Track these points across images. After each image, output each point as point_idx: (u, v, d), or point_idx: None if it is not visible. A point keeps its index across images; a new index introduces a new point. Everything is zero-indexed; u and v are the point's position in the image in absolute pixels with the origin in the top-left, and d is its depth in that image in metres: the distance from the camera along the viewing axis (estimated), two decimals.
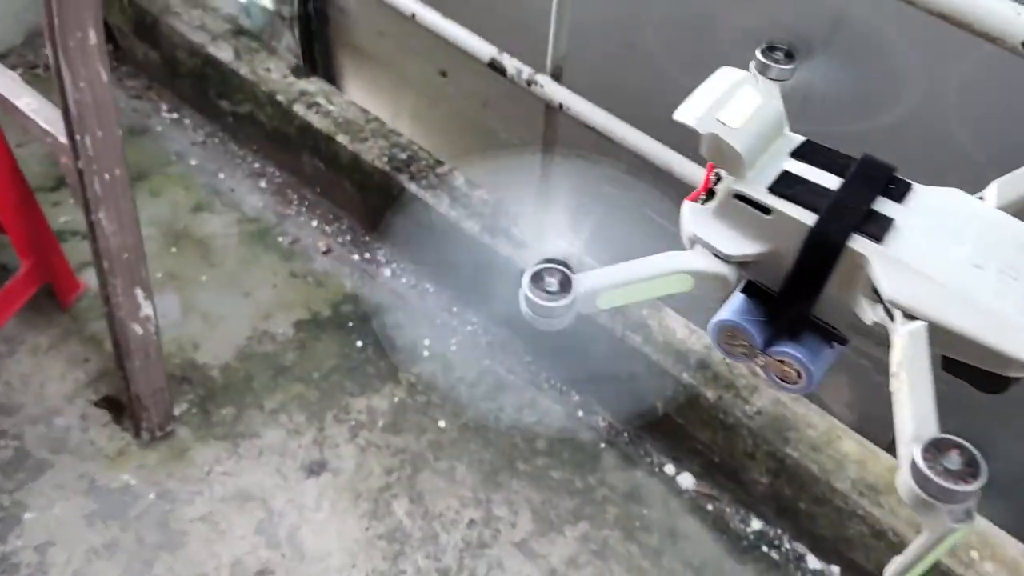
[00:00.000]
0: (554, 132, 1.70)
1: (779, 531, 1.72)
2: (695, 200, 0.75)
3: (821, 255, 0.65)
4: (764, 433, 1.62)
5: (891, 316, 0.62)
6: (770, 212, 0.68)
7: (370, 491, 1.74)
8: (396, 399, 1.89)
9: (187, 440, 1.78)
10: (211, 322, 1.98)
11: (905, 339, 0.59)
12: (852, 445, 1.61)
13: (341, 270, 2.13)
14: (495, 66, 1.65)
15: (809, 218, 0.66)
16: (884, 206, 0.66)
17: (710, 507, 1.76)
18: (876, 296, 0.63)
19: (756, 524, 1.73)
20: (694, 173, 1.48)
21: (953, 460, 0.53)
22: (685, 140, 0.74)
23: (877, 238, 0.63)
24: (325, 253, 2.16)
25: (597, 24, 1.73)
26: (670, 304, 1.79)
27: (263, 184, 2.29)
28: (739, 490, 1.73)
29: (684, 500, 1.77)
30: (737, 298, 0.70)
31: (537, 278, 0.66)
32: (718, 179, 0.73)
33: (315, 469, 1.77)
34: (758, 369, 0.70)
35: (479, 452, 1.81)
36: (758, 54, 0.81)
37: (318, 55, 2.55)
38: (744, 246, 0.70)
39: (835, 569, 1.66)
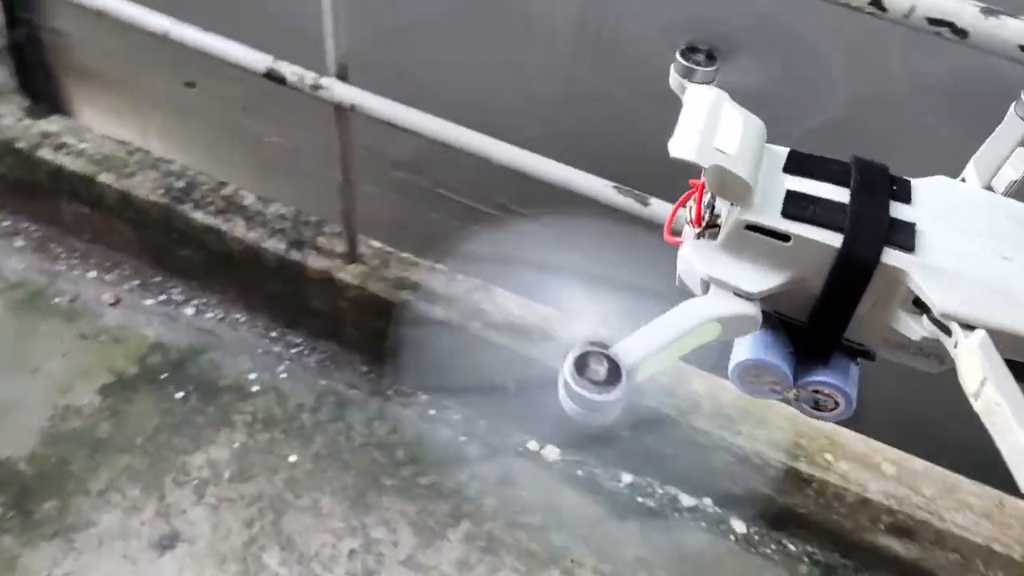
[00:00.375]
0: (348, 134, 1.60)
1: (649, 479, 1.77)
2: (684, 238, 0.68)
3: (853, 276, 0.61)
4: None
5: (945, 330, 0.59)
6: (789, 239, 0.63)
7: (235, 550, 1.61)
8: (236, 444, 1.75)
9: (12, 548, 1.56)
10: (0, 411, 1.74)
11: (977, 354, 0.56)
12: (701, 383, 1.68)
13: (136, 319, 1.93)
14: (273, 76, 1.53)
15: (834, 239, 0.61)
16: (899, 211, 0.62)
17: (580, 472, 1.78)
18: (918, 309, 0.60)
19: (627, 478, 1.78)
20: (508, 155, 1.45)
21: None
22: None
23: (909, 248, 0.60)
24: (113, 305, 1.95)
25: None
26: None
27: (19, 243, 2.02)
28: (604, 450, 1.76)
29: (555, 472, 1.78)
30: (756, 333, 0.66)
31: (581, 365, 0.58)
32: (711, 209, 0.68)
33: (167, 543, 1.61)
34: (789, 401, 0.66)
35: (340, 478, 1.72)
36: (679, 57, 0.75)
37: (41, 87, 2.27)
38: (766, 279, 0.65)
39: (707, 501, 1.74)
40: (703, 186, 0.69)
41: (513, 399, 1.77)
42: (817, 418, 0.67)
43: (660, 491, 1.76)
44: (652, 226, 1.35)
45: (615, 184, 1.36)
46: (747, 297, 0.65)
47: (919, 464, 1.61)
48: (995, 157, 0.68)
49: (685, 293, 0.68)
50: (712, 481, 1.69)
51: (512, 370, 1.72)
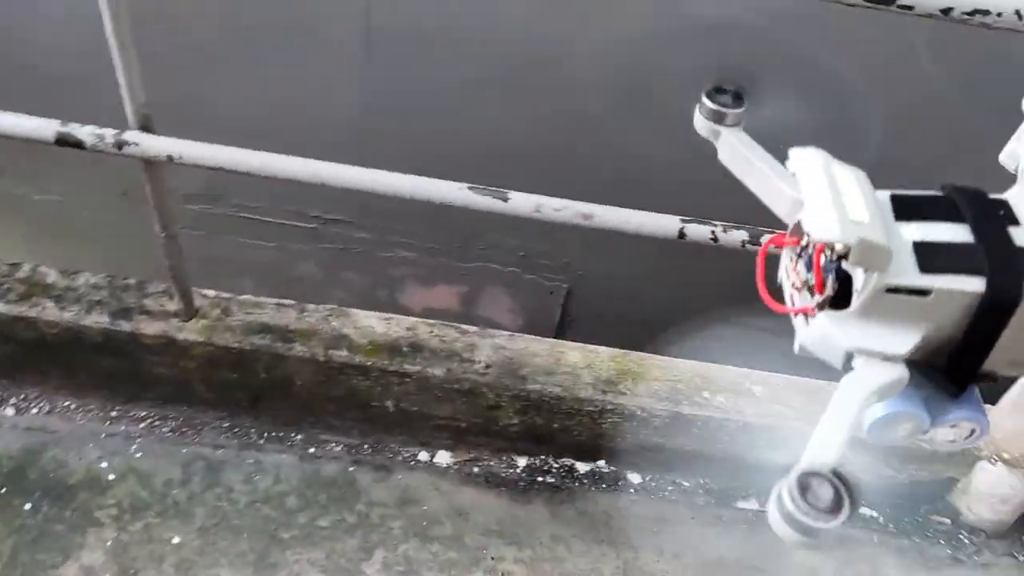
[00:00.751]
0: (161, 185, 1.48)
1: (543, 457, 1.80)
2: (809, 313, 0.68)
3: (998, 315, 0.62)
4: (502, 382, 1.66)
5: None
6: (930, 293, 0.63)
7: None
8: (108, 542, 1.60)
9: None
10: None
11: None
12: (576, 354, 1.72)
13: None
14: (66, 141, 1.38)
15: (976, 283, 0.62)
16: (1017, 236, 0.64)
17: (476, 469, 1.79)
18: None
19: (522, 461, 1.80)
20: (351, 177, 1.39)
21: None
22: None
23: None
24: None
25: None
26: None
27: None
28: (494, 441, 1.77)
29: (451, 477, 1.77)
30: None
31: (803, 488, 0.57)
32: (837, 276, 0.67)
33: None
34: (923, 442, 0.68)
35: (234, 546, 1.62)
36: (706, 100, 0.73)
37: None
38: (911, 337, 0.65)
39: (601, 463, 1.80)
40: (819, 252, 0.67)
41: (394, 415, 1.74)
42: (952, 449, 0.69)
43: (556, 465, 1.80)
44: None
45: (469, 185, 1.34)
46: (895, 360, 0.65)
47: (780, 379, 1.74)
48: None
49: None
50: (604, 443, 1.75)
51: (390, 389, 1.68)
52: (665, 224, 1.32)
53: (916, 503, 1.81)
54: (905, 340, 0.67)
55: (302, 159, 1.39)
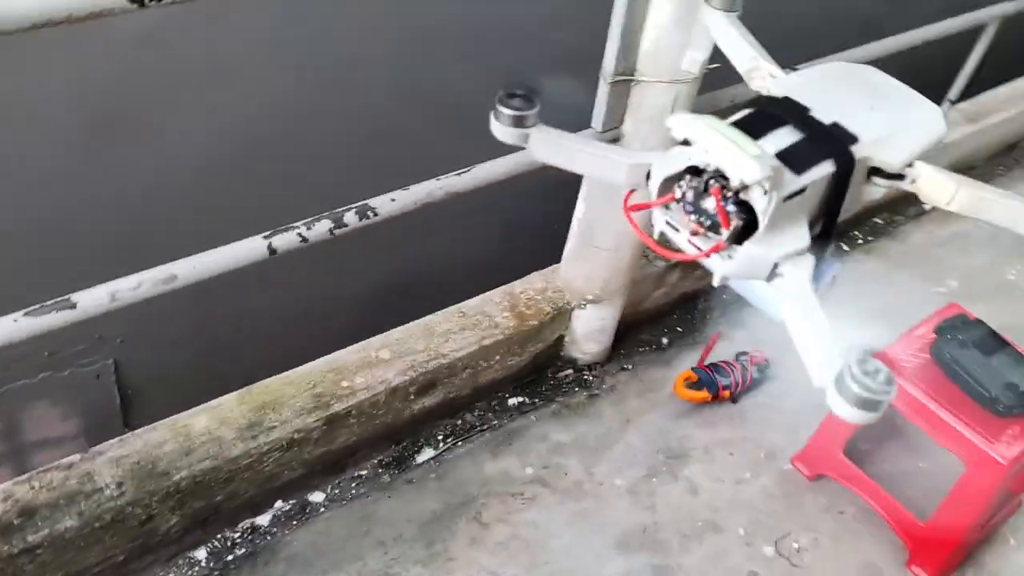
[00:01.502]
0: None
1: (220, 535, 1.63)
2: (721, 248, 0.90)
3: (845, 181, 0.90)
4: (145, 489, 1.45)
5: (898, 177, 0.93)
6: (807, 188, 0.87)
7: None
8: None
9: None
10: None
11: (938, 174, 0.92)
12: (201, 419, 1.56)
13: None
14: None
15: (828, 166, 0.89)
16: (823, 117, 0.93)
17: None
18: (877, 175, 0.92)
19: (201, 553, 1.61)
20: None
21: None
22: None
23: (855, 140, 0.92)
24: None
25: None
26: None
27: None
28: (161, 551, 1.56)
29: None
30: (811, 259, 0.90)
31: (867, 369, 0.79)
32: (736, 209, 0.89)
33: None
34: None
35: None
36: (503, 109, 0.90)
37: None
38: (802, 227, 0.90)
39: (280, 503, 1.69)
40: (718, 193, 0.89)
41: None
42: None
43: (237, 534, 1.65)
44: None
45: (26, 310, 1.11)
46: (804, 250, 0.89)
47: (399, 333, 1.78)
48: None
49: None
50: (274, 484, 1.64)
51: (23, 572, 1.37)
52: (252, 249, 1.23)
53: (541, 372, 2.01)
54: (802, 231, 0.90)
55: None
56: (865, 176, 0.94)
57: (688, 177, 0.93)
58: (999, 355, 1.59)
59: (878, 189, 0.96)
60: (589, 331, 1.96)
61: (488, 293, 1.91)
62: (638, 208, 0.98)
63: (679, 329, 2.17)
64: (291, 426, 1.57)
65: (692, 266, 2.10)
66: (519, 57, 3.16)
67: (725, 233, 0.88)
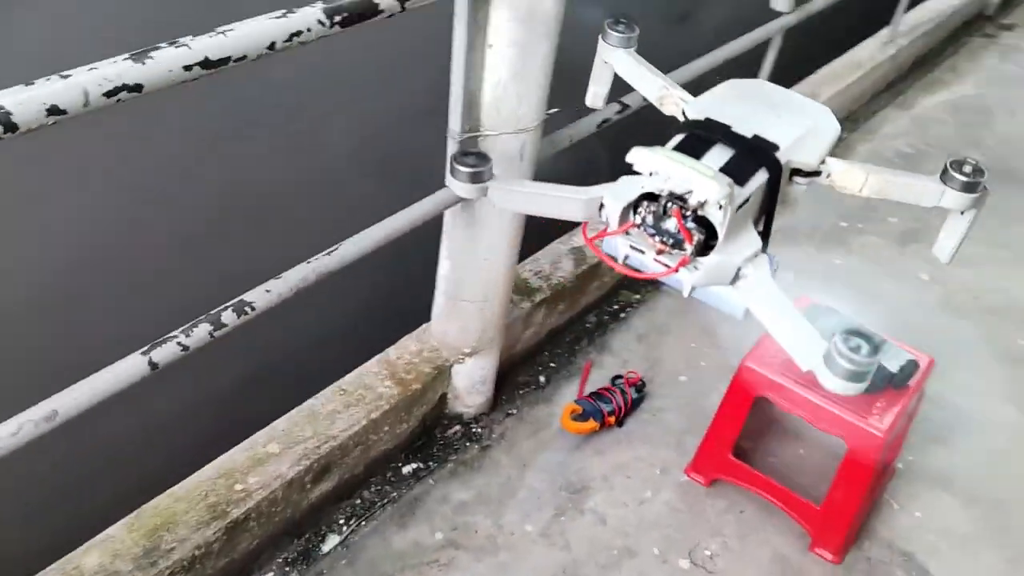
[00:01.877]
0: None
1: None
2: (687, 264, 1.06)
3: (777, 186, 1.06)
4: None
5: (814, 174, 1.10)
6: (750, 197, 1.01)
7: None
8: None
9: None
10: None
11: (851, 168, 1.09)
12: (92, 557, 1.43)
13: None
14: None
15: (763, 175, 1.04)
16: (744, 132, 1.10)
17: None
18: (798, 175, 1.09)
19: None
20: None
21: None
22: None
23: (776, 147, 1.09)
24: None
25: None
26: None
27: None
28: None
29: None
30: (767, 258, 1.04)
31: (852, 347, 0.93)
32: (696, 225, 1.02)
33: None
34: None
35: None
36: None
37: None
38: (752, 231, 1.04)
39: None
40: (679, 213, 1.02)
41: None
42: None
43: None
44: None
45: None
46: (759, 251, 1.02)
47: (283, 424, 1.71)
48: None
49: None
50: None
51: None
52: (133, 367, 1.16)
53: (430, 433, 1.99)
54: (752, 235, 1.04)
55: None
56: (788, 178, 1.10)
57: (645, 203, 1.07)
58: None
59: (800, 187, 1.13)
60: (471, 384, 1.96)
61: (365, 365, 1.88)
62: (600, 237, 1.10)
63: (552, 365, 2.21)
64: (190, 543, 1.48)
65: (555, 303, 2.16)
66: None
67: (689, 248, 1.01)
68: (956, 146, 3.07)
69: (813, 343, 0.99)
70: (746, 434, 1.88)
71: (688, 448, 1.99)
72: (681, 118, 1.21)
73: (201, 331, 1.24)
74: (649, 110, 1.94)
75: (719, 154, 1.06)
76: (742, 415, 1.81)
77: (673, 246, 1.05)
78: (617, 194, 1.08)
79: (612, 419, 2.01)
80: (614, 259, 1.13)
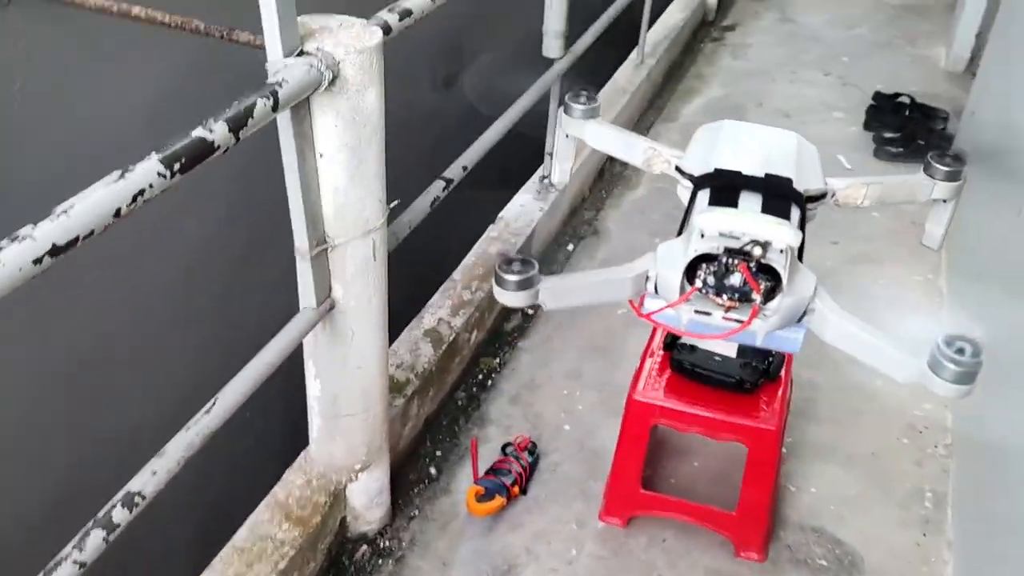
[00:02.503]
0: None
1: None
2: (758, 314, 1.05)
3: (804, 215, 1.14)
4: None
5: (826, 194, 1.15)
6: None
7: None
8: None
9: None
10: None
11: (857, 183, 1.18)
12: None
13: None
14: None
15: (799, 212, 1.10)
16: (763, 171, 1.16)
17: None
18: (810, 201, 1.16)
19: None
20: None
21: None
22: None
23: (791, 180, 1.18)
24: None
25: None
26: None
27: None
28: None
29: None
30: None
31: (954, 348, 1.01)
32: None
33: None
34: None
35: None
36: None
37: None
38: (804, 267, 1.09)
39: None
40: (745, 267, 1.03)
41: None
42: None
43: None
44: None
45: None
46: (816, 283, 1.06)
47: None
48: None
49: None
50: None
51: None
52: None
53: (338, 564, 1.86)
54: (805, 270, 1.06)
55: None
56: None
57: (704, 266, 1.06)
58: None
59: (812, 212, 1.14)
60: (369, 499, 1.87)
61: (254, 514, 1.74)
62: (664, 310, 1.10)
63: (439, 454, 2.14)
64: None
65: (425, 391, 2.10)
66: None
67: (758, 298, 1.03)
68: None
69: (908, 355, 1.01)
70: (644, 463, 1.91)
71: (594, 494, 1.99)
72: (673, 174, 1.23)
73: (95, 540, 1.10)
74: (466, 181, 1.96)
75: (751, 200, 1.07)
76: (642, 448, 1.83)
77: (740, 299, 1.06)
78: (672, 263, 1.07)
79: (516, 489, 1.98)
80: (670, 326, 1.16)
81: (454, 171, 1.91)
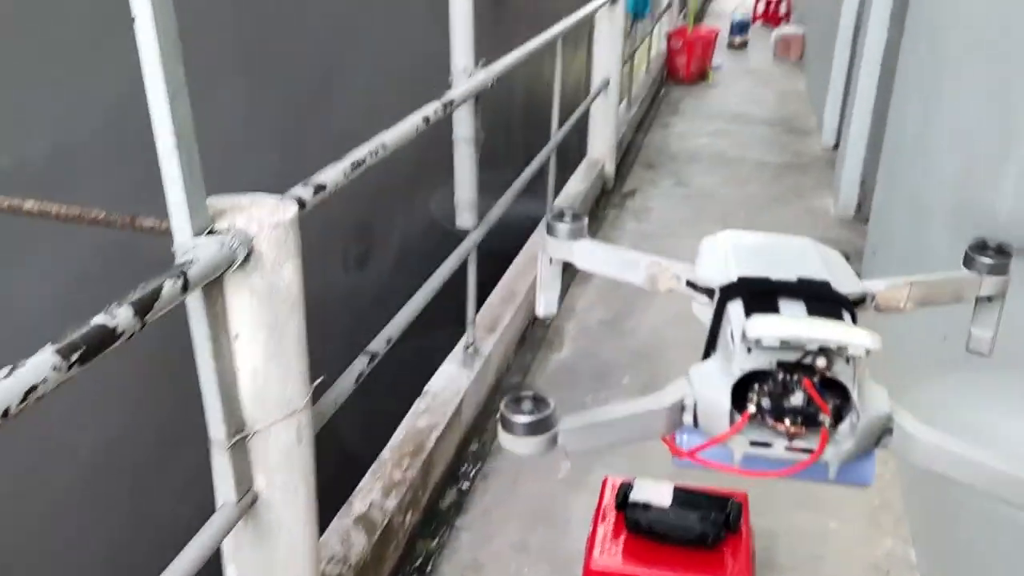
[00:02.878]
0: None
1: None
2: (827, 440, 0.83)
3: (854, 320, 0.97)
4: None
5: (865, 299, 1.00)
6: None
7: None
8: None
9: None
10: None
11: (880, 289, 1.04)
12: None
13: None
14: None
15: (848, 315, 0.93)
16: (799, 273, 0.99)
17: None
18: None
19: None
20: None
21: None
22: None
23: (828, 283, 1.01)
24: None
25: None
26: None
27: None
28: None
29: None
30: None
31: None
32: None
33: None
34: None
35: None
36: (517, 419, 0.88)
37: None
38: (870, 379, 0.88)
39: None
40: (810, 384, 0.82)
41: None
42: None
43: None
44: None
45: None
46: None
47: None
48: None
49: None
50: None
51: None
52: None
53: None
54: (872, 383, 0.86)
55: None
56: None
57: (755, 386, 0.86)
58: (676, 500, 1.71)
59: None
60: None
61: None
62: (709, 445, 0.87)
63: None
64: None
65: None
66: None
67: (827, 419, 0.82)
68: (647, 300, 3.34)
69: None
70: None
71: None
72: (683, 291, 1.04)
73: None
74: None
75: (793, 307, 0.88)
76: None
77: (807, 421, 0.85)
78: (715, 384, 0.87)
79: None
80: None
81: (378, 344, 1.84)
